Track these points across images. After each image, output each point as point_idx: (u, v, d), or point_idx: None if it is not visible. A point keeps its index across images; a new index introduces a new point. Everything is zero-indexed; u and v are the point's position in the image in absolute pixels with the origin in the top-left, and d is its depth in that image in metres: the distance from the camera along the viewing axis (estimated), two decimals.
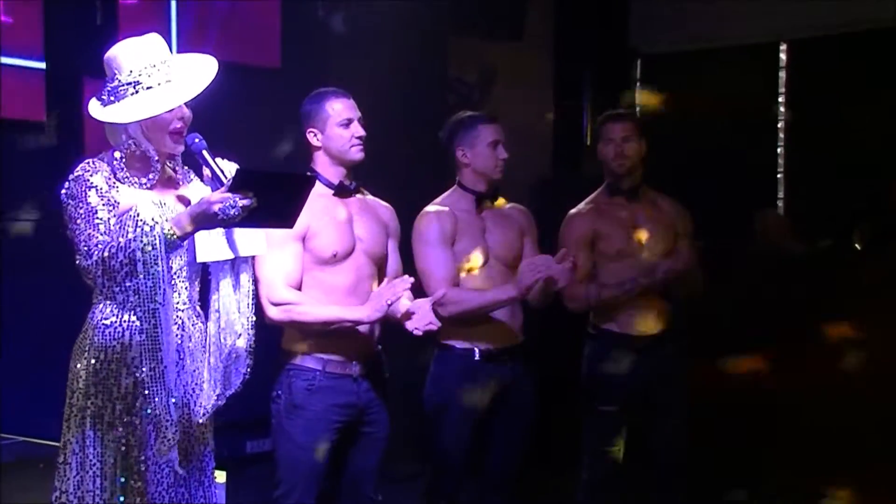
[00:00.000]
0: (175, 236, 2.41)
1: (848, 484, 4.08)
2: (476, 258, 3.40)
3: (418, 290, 3.34)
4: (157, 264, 2.39)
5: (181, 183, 2.66)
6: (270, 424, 3.13)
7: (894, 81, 4.88)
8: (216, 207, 2.37)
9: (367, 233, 3.17)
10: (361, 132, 3.14)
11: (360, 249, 3.15)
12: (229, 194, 2.38)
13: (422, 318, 3.02)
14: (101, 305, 2.54)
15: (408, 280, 3.05)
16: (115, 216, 2.49)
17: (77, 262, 2.46)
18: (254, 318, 2.64)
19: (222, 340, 2.60)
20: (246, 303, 2.62)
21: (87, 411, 2.50)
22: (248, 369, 2.63)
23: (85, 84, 4.28)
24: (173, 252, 2.47)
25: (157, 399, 2.46)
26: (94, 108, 2.56)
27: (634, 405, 3.63)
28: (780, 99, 5.29)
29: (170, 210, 2.56)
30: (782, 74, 5.29)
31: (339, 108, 3.13)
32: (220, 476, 3.80)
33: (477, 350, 3.42)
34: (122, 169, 2.54)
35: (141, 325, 2.45)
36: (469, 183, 3.50)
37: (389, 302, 2.99)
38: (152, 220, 2.51)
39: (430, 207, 3.49)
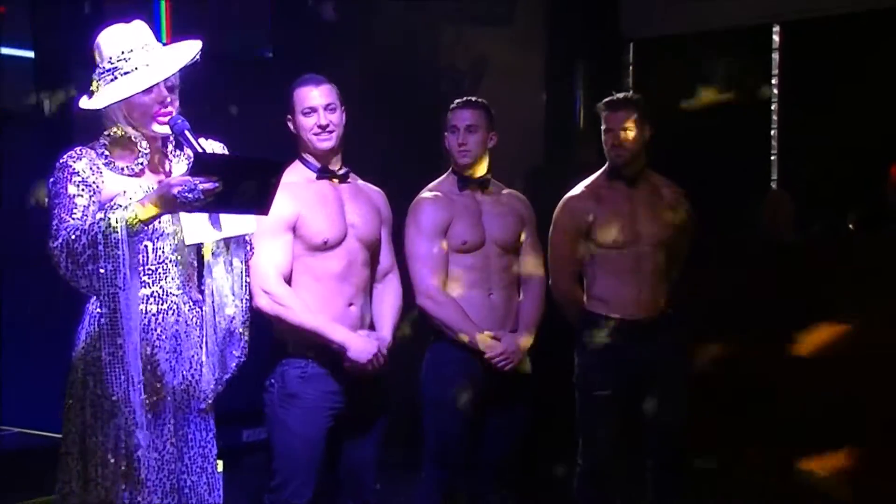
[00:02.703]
0: (137, 219, 2.38)
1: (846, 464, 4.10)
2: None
3: (406, 275, 3.35)
4: (117, 248, 2.36)
5: (173, 168, 2.64)
6: (265, 414, 3.12)
7: (887, 63, 4.88)
8: (175, 191, 2.33)
9: (360, 219, 3.16)
10: (323, 121, 3.10)
11: (352, 235, 3.14)
12: (189, 178, 2.34)
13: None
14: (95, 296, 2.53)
15: (387, 341, 3.09)
16: (96, 202, 2.47)
17: (47, 246, 2.43)
18: (248, 299, 2.61)
19: (217, 323, 2.58)
20: (239, 284, 2.59)
21: (86, 401, 2.49)
22: (244, 352, 2.60)
23: (73, 74, 4.26)
24: (136, 235, 2.42)
25: (115, 384, 2.44)
26: (83, 100, 2.54)
27: (629, 390, 3.62)
28: (774, 81, 5.28)
29: None
30: (775, 56, 5.27)
31: (303, 96, 3.11)
32: (217, 465, 3.81)
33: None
34: (109, 155, 2.52)
35: (101, 308, 2.43)
36: (454, 166, 3.51)
37: (380, 356, 3.03)
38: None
39: (425, 193, 3.49)
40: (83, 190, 2.46)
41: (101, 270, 2.37)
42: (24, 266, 4.21)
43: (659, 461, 3.65)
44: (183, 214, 2.47)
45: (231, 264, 2.58)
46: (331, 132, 3.11)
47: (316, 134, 3.10)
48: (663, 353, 3.61)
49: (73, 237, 2.38)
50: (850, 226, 5.05)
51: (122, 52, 2.48)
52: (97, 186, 2.48)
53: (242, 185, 2.39)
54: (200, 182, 2.32)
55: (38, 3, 4.38)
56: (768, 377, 4.40)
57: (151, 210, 2.39)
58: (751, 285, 4.47)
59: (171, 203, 2.36)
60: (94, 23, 4.15)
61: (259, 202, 2.47)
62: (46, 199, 2.50)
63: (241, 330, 2.59)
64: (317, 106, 3.10)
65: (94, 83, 2.52)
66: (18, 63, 4.41)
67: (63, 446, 2.53)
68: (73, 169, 2.47)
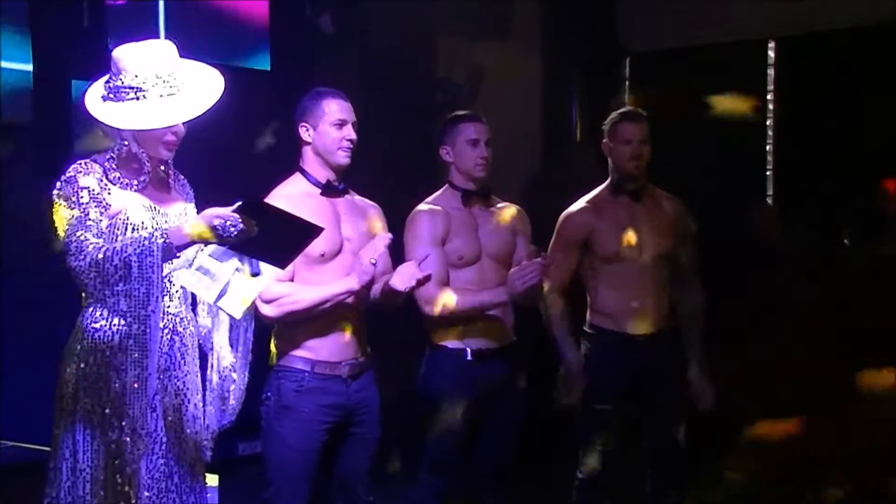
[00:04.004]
0: (172, 245, 2.41)
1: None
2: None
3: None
4: (152, 271, 2.38)
5: (174, 188, 2.65)
6: (261, 427, 3.12)
7: (882, 78, 4.91)
8: (216, 222, 2.37)
9: (356, 233, 3.17)
10: (353, 135, 3.14)
11: (347, 249, 3.15)
12: (232, 214, 2.37)
13: (408, 277, 3.05)
14: (90, 308, 2.52)
15: (387, 236, 3.06)
16: (106, 218, 2.48)
17: (68, 263, 2.43)
18: (250, 359, 2.63)
19: (218, 381, 2.62)
20: (241, 341, 2.62)
21: (77, 415, 2.48)
22: (236, 410, 2.64)
23: (72, 86, 4.27)
24: (168, 260, 2.46)
25: (136, 406, 2.46)
26: (93, 103, 2.53)
27: (630, 403, 3.63)
28: (769, 96, 5.30)
29: (161, 214, 2.55)
30: (771, 72, 5.30)
31: (335, 108, 3.13)
32: (213, 479, 3.80)
33: (468, 350, 3.42)
34: (114, 170, 2.53)
35: (129, 330, 2.44)
36: (457, 181, 3.51)
37: (373, 261, 3.00)
38: (143, 224, 2.50)
39: (423, 206, 3.49)
40: (95, 206, 2.47)
41: (133, 293, 2.39)
42: (22, 277, 4.21)
43: (659, 473, 3.65)
44: (183, 256, 2.49)
45: (238, 332, 2.63)
46: (351, 149, 3.14)
47: (342, 148, 3.13)
48: (665, 367, 3.62)
49: (101, 256, 2.39)
50: (845, 241, 5.06)
51: (150, 76, 2.48)
52: (106, 203, 2.49)
53: (274, 235, 2.44)
54: (241, 222, 2.36)
55: (37, 15, 4.38)
56: (763, 389, 4.41)
57: (186, 237, 2.41)
58: (746, 299, 4.48)
59: (207, 233, 2.39)
60: (94, 35, 4.18)
61: (280, 257, 2.52)
62: (56, 213, 2.47)
63: (237, 393, 2.64)
64: (347, 119, 3.14)
65: (106, 91, 2.51)
66: (18, 76, 4.41)
67: (52, 460, 2.52)
68: (83, 184, 2.47)
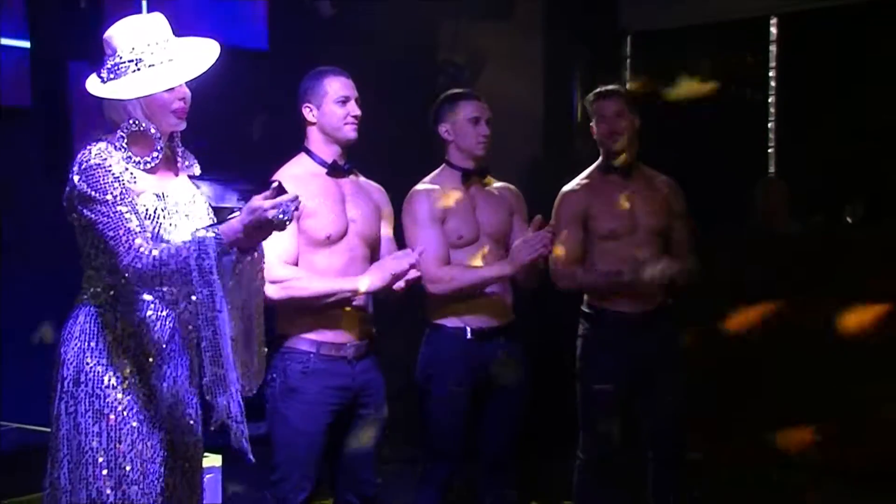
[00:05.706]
0: (227, 246, 2.37)
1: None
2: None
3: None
4: (212, 274, 2.34)
5: (181, 167, 2.61)
6: (265, 408, 3.12)
7: (884, 55, 4.88)
8: (270, 214, 2.32)
9: (360, 214, 3.17)
10: (357, 111, 3.15)
11: (353, 231, 3.14)
12: (279, 199, 2.33)
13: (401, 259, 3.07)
14: (91, 291, 2.50)
15: (413, 255, 3.06)
16: (129, 204, 2.44)
17: (121, 262, 2.37)
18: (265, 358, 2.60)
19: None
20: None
21: (79, 398, 2.46)
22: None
23: (70, 68, 4.26)
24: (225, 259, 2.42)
25: (140, 391, 2.46)
26: (94, 85, 2.50)
27: (630, 383, 3.63)
28: (771, 73, 5.28)
29: (172, 201, 2.53)
30: (773, 49, 5.28)
31: (337, 86, 3.14)
32: (216, 459, 3.81)
33: (468, 329, 3.42)
34: (126, 149, 2.49)
35: (201, 332, 2.38)
36: (456, 160, 3.50)
37: (395, 273, 3.01)
38: (155, 213, 2.46)
39: (420, 186, 3.49)
40: (124, 195, 2.42)
41: (198, 297, 2.35)
42: (22, 260, 4.21)
43: (659, 453, 3.66)
44: None
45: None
46: (357, 123, 3.15)
47: (349, 123, 3.14)
48: (663, 345, 3.62)
49: (158, 258, 2.35)
50: (848, 219, 5.05)
51: (148, 45, 2.46)
52: (134, 192, 2.45)
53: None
54: (291, 202, 2.33)
55: None
56: (765, 367, 4.41)
57: (242, 235, 2.36)
58: (747, 278, 4.47)
59: (265, 225, 2.34)
60: (90, 13, 4.16)
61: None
62: (82, 199, 2.41)
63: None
64: (350, 95, 3.15)
65: (106, 73, 2.48)
66: (14, 54, 4.40)
67: (53, 442, 2.50)
68: (113, 172, 2.42)
